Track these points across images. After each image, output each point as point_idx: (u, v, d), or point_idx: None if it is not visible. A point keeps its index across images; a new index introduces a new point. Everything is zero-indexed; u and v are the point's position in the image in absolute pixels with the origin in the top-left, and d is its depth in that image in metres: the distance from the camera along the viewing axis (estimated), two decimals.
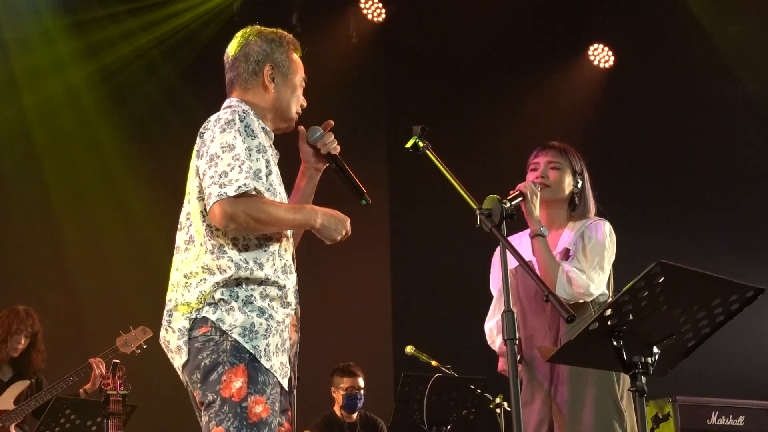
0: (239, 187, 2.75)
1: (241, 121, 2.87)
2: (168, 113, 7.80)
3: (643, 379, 2.68)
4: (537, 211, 3.71)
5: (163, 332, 2.91)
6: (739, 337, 7.74)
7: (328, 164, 3.20)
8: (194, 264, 2.85)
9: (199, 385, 2.79)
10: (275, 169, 2.96)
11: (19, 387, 5.71)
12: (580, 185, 3.91)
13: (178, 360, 2.86)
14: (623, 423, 3.61)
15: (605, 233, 3.78)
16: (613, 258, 3.80)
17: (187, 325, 2.81)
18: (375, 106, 9.05)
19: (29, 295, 6.18)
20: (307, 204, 3.18)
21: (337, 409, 6.79)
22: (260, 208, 2.78)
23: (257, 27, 3.15)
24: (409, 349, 5.99)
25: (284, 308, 2.89)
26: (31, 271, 7.20)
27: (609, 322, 2.61)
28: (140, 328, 5.78)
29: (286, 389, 2.90)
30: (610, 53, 9.24)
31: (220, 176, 2.77)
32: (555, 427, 3.65)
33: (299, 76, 3.13)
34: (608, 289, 3.78)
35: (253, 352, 2.75)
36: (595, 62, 9.26)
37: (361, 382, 6.75)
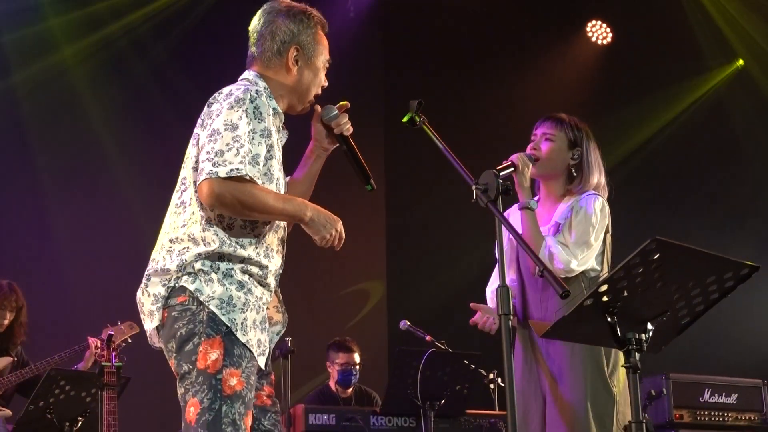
0: (231, 170, 2.71)
1: (251, 102, 2.82)
2: (157, 92, 7.72)
3: (637, 355, 2.68)
4: (527, 183, 3.67)
5: (139, 293, 2.90)
6: (733, 315, 7.75)
7: (337, 145, 3.16)
8: (181, 230, 2.83)
9: (174, 355, 2.79)
10: (278, 155, 2.93)
11: (1, 363, 5.72)
12: (576, 157, 3.86)
13: (147, 324, 2.87)
14: (611, 400, 3.60)
15: (594, 208, 3.70)
16: (603, 233, 3.75)
17: (163, 293, 2.80)
18: (372, 80, 9.03)
19: (15, 277, 6.13)
20: (309, 187, 3.18)
21: (332, 384, 6.81)
22: (249, 192, 2.74)
23: (285, 2, 3.07)
24: (403, 324, 5.99)
25: (261, 287, 2.87)
26: (18, 254, 7.10)
27: (603, 298, 2.61)
28: (127, 323, 5.73)
29: (263, 368, 2.88)
30: (608, 30, 9.21)
31: (216, 154, 2.73)
32: (547, 399, 3.66)
33: (323, 58, 3.07)
34: (602, 264, 3.75)
35: (229, 325, 2.74)
36: (593, 39, 9.23)
37: (356, 357, 6.76)
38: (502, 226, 2.87)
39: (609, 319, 2.64)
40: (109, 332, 5.43)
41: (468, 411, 5.79)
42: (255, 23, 3.05)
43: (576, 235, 3.66)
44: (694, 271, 2.65)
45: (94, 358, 5.51)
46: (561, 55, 9.25)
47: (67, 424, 5.37)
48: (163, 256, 2.84)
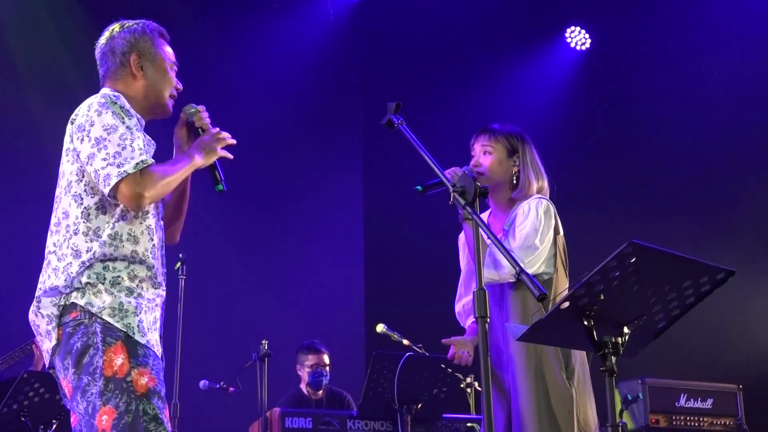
0: (137, 163, 2.81)
1: (114, 103, 2.93)
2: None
3: (613, 359, 2.68)
4: None
5: (31, 315, 2.93)
6: (709, 319, 7.79)
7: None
8: (64, 245, 2.88)
9: (72, 370, 2.81)
10: (150, 149, 3.01)
11: None
12: (517, 164, 3.89)
13: (47, 344, 2.90)
14: (569, 400, 3.62)
15: (537, 212, 3.73)
16: (551, 235, 3.74)
17: (56, 312, 2.84)
18: (351, 83, 9.03)
19: None
20: (183, 196, 3.22)
21: (303, 387, 6.81)
22: (160, 175, 2.86)
23: (121, 21, 3.19)
24: (380, 327, 5.97)
25: (155, 288, 2.95)
26: None
27: (580, 302, 2.61)
28: None
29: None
30: (587, 35, 9.24)
31: (114, 156, 2.81)
32: (512, 401, 3.68)
33: (168, 61, 3.17)
34: (555, 266, 3.76)
35: (125, 330, 2.80)
36: (572, 44, 9.26)
37: (326, 358, 6.78)
38: (478, 229, 2.86)
39: (585, 323, 2.64)
40: None
41: (445, 415, 5.78)
42: (97, 46, 3.18)
43: (520, 239, 3.69)
44: (671, 276, 2.65)
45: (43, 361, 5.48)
46: (539, 61, 9.27)
47: (42, 426, 5.33)
48: (49, 275, 2.89)
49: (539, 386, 3.61)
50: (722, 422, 6.04)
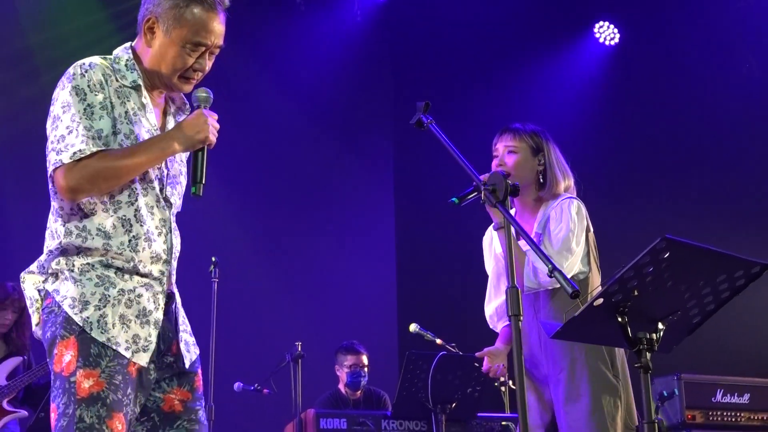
0: (75, 153, 2.53)
1: (83, 76, 2.62)
2: None
3: (648, 355, 2.67)
4: None
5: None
6: (745, 314, 7.72)
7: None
8: (47, 229, 2.71)
9: (48, 360, 2.61)
10: (129, 127, 2.66)
11: (11, 363, 5.73)
12: (542, 163, 3.86)
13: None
14: (616, 397, 3.60)
15: (570, 213, 3.71)
16: (585, 234, 3.74)
17: (36, 296, 2.66)
18: (380, 83, 9.04)
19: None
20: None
21: (341, 387, 6.84)
22: (104, 167, 2.55)
23: None
24: (413, 327, 5.98)
25: (138, 276, 2.63)
26: (15, 253, 7.10)
27: (613, 298, 2.60)
28: None
29: (144, 365, 2.61)
30: (616, 31, 9.19)
31: (58, 141, 2.57)
32: (554, 401, 3.66)
33: (184, 40, 2.69)
34: (589, 264, 3.75)
35: (82, 324, 2.54)
36: (601, 40, 9.22)
37: (364, 359, 6.81)
38: (510, 227, 2.86)
39: (620, 319, 2.63)
40: None
41: (479, 414, 5.78)
42: None
43: (557, 242, 3.67)
44: (705, 270, 2.63)
45: None
46: (568, 57, 9.23)
47: None
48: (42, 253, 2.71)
49: (588, 385, 3.59)
50: (760, 417, 5.98)
